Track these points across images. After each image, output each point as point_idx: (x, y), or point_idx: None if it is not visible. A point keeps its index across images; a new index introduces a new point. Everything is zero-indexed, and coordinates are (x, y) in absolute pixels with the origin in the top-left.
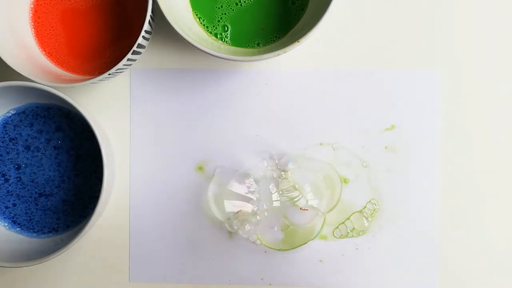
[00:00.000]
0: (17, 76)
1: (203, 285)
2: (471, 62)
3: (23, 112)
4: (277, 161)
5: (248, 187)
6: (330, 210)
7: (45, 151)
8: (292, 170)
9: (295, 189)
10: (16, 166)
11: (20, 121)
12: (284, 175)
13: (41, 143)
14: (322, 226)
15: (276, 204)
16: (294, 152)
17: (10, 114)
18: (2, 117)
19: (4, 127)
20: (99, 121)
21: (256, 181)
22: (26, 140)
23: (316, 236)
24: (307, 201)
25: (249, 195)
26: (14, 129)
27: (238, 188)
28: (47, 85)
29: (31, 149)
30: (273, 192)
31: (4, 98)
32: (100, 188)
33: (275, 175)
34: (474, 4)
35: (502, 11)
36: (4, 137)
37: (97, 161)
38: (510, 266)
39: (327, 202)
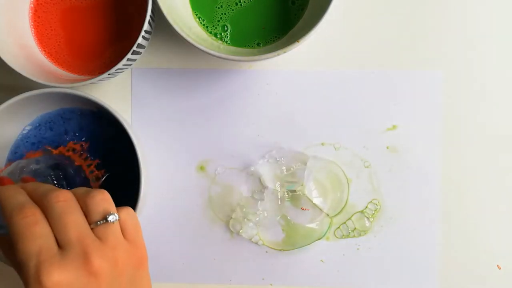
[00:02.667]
0: (16, 76)
1: (204, 285)
2: (472, 62)
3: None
4: (275, 161)
5: (250, 187)
6: (339, 213)
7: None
8: (295, 170)
9: (298, 188)
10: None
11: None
12: (286, 175)
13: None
14: (329, 228)
15: (278, 203)
16: (296, 152)
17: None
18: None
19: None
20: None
21: (258, 181)
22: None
23: (322, 237)
24: (310, 200)
25: (251, 195)
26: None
27: (239, 188)
28: (48, 85)
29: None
30: (275, 192)
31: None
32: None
33: (277, 175)
34: (474, 4)
35: (503, 11)
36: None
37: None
38: (511, 266)
39: (332, 202)
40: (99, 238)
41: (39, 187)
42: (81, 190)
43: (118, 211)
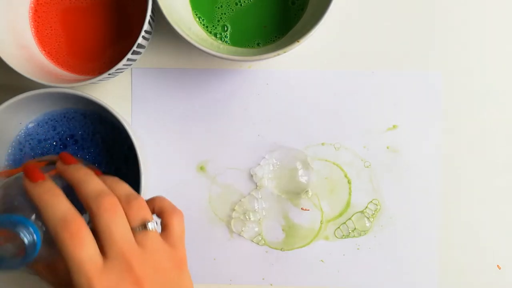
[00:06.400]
0: (16, 76)
1: (204, 285)
2: (471, 63)
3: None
4: (275, 161)
5: (250, 187)
6: (341, 214)
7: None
8: (295, 170)
9: (298, 188)
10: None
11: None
12: (286, 175)
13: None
14: (320, 228)
15: (278, 203)
16: (296, 152)
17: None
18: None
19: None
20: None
21: (258, 181)
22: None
23: (313, 238)
24: (311, 201)
25: (251, 195)
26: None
27: (239, 188)
28: (48, 85)
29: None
30: (275, 192)
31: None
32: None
33: (277, 175)
34: (474, 5)
35: (502, 12)
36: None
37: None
38: (511, 266)
39: (333, 202)
40: (139, 243)
41: (84, 182)
42: (121, 193)
43: (170, 216)
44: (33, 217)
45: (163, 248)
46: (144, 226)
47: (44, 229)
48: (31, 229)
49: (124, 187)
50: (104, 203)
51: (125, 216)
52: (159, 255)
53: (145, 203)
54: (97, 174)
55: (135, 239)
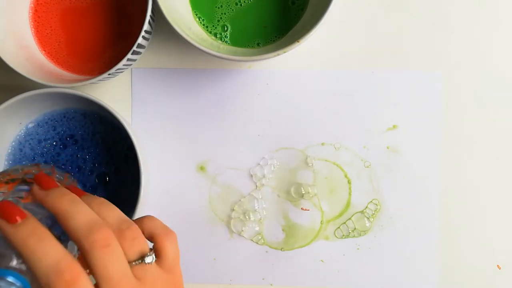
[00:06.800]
0: (16, 76)
1: (204, 285)
2: (471, 63)
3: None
4: (275, 161)
5: (250, 187)
6: (341, 214)
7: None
8: (295, 170)
9: (298, 188)
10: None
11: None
12: (286, 175)
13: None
14: (320, 228)
15: (278, 203)
16: (296, 152)
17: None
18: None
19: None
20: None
21: (258, 181)
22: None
23: (313, 238)
24: (311, 200)
25: (251, 195)
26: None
27: (239, 188)
28: (48, 85)
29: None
30: (275, 192)
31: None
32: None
33: (277, 175)
34: (475, 5)
35: (503, 12)
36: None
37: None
38: (511, 266)
39: (333, 202)
40: (136, 277)
41: (70, 213)
42: (113, 221)
43: (163, 240)
44: (15, 262)
45: (160, 277)
46: (141, 259)
47: (30, 274)
48: (17, 283)
49: (114, 213)
50: (98, 239)
51: (121, 251)
52: (157, 285)
53: (139, 230)
54: (78, 194)
55: (132, 272)
